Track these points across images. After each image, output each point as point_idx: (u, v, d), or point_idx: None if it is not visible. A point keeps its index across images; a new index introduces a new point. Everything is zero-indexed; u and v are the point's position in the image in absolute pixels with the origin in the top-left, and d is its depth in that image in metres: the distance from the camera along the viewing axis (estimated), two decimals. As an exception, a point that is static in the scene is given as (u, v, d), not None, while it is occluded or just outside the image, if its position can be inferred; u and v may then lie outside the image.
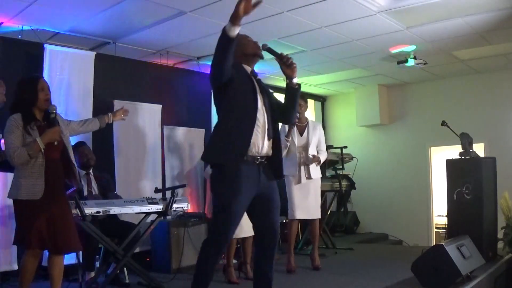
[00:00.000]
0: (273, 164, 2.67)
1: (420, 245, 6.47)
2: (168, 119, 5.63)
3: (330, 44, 5.51)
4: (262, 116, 2.59)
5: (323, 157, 4.59)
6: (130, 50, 5.41)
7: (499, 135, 6.91)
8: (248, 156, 2.53)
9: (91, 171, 4.17)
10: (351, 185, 6.17)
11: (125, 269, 3.97)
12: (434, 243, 6.03)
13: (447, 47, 5.75)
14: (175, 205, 3.81)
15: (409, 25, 4.95)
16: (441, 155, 6.48)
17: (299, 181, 4.45)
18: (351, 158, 6.69)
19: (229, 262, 4.09)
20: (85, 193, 3.99)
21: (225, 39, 2.35)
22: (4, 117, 2.87)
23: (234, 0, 2.29)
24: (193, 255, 4.69)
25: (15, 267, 3.97)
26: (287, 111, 2.74)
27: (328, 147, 6.18)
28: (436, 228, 7.52)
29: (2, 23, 4.40)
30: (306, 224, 5.22)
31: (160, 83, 5.76)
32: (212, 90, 2.71)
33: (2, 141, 2.93)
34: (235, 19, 2.30)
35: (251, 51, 2.71)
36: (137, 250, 4.06)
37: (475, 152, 4.73)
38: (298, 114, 4.33)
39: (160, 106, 5.46)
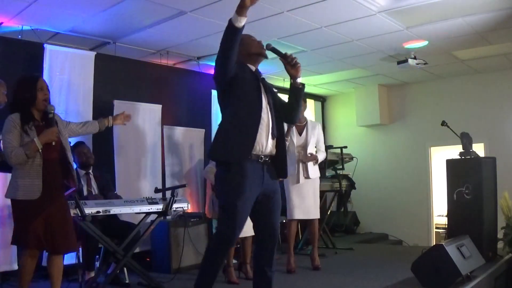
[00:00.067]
0: (277, 163, 2.68)
1: (420, 245, 6.47)
2: (168, 119, 5.62)
3: (330, 44, 5.51)
4: (266, 115, 2.60)
5: (321, 156, 4.59)
6: (130, 50, 5.41)
7: (499, 135, 6.91)
8: (252, 155, 2.54)
9: (90, 170, 4.17)
10: (351, 185, 6.18)
11: (125, 269, 3.96)
12: (434, 243, 6.03)
13: (447, 47, 5.75)
14: (175, 205, 3.81)
15: (409, 25, 4.95)
16: (441, 155, 6.49)
17: (298, 181, 4.44)
18: (351, 158, 6.69)
19: (229, 262, 4.08)
20: (85, 193, 4.00)
21: (231, 30, 2.36)
22: (5, 118, 2.87)
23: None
24: (193, 255, 4.71)
25: (15, 267, 3.97)
26: (291, 111, 2.75)
27: (328, 147, 6.20)
28: (436, 228, 7.52)
29: (2, 23, 4.40)
30: (306, 224, 5.22)
31: (160, 83, 5.76)
32: (216, 89, 2.70)
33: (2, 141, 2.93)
34: (241, 9, 2.31)
35: (256, 50, 2.72)
36: (137, 250, 4.06)
37: (475, 152, 4.73)
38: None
39: (160, 106, 5.46)
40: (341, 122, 8.67)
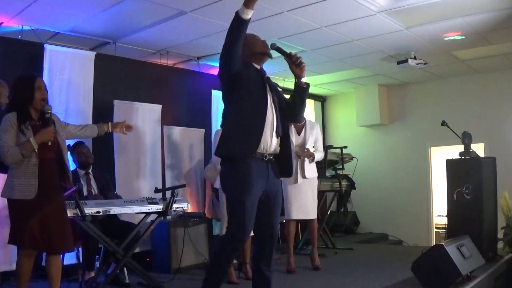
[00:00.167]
0: (282, 161, 2.69)
1: (420, 245, 6.47)
2: (168, 119, 5.62)
3: (330, 44, 5.51)
4: (271, 113, 2.61)
5: (318, 156, 4.59)
6: (130, 50, 5.41)
7: (499, 135, 6.91)
8: (257, 153, 2.56)
9: (90, 170, 4.16)
10: (351, 185, 6.18)
11: (125, 269, 3.96)
12: (434, 243, 6.03)
13: (447, 47, 5.75)
14: (175, 205, 3.81)
15: (409, 25, 4.95)
16: (441, 155, 6.49)
17: (296, 181, 4.44)
18: (351, 158, 6.69)
19: (229, 262, 4.08)
20: (85, 193, 3.99)
21: (237, 22, 2.36)
22: (5, 118, 2.87)
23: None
24: (193, 255, 4.71)
25: (15, 266, 3.96)
26: (295, 110, 2.77)
27: (328, 147, 6.21)
28: (436, 228, 7.52)
29: (2, 23, 4.40)
30: (306, 224, 5.22)
31: (160, 83, 5.76)
32: (221, 88, 2.70)
33: None
34: (249, 1, 2.31)
35: (260, 50, 2.73)
36: (137, 250, 4.06)
37: (475, 152, 4.73)
38: None
39: (160, 106, 5.46)
40: (341, 122, 8.67)
